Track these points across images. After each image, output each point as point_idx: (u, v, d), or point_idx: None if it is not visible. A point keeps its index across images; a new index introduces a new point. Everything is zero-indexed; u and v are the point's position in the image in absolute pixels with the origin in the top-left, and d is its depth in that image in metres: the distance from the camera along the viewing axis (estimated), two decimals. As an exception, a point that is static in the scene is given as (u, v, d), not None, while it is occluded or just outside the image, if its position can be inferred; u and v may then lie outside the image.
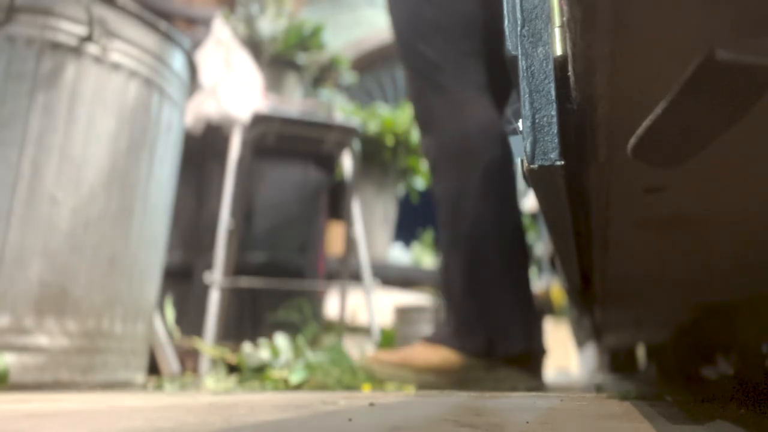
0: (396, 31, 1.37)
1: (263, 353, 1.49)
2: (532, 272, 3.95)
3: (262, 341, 1.61)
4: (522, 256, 1.26)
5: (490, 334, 1.19)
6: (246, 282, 2.07)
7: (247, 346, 1.54)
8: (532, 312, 1.24)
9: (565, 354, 3.50)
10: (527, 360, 1.20)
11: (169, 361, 1.60)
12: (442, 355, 1.19)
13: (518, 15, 0.45)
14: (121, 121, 1.22)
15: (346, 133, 2.30)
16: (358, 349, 1.82)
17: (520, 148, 0.45)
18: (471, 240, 1.23)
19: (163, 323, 1.63)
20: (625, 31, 0.30)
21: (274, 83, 2.57)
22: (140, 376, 1.29)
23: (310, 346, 1.65)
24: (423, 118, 1.33)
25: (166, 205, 1.38)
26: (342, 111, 2.98)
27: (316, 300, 2.37)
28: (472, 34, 1.29)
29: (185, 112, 1.51)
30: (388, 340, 2.13)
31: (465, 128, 1.25)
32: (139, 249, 1.25)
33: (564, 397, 0.85)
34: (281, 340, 1.57)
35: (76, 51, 1.16)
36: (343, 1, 5.21)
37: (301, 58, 2.64)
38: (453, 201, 1.26)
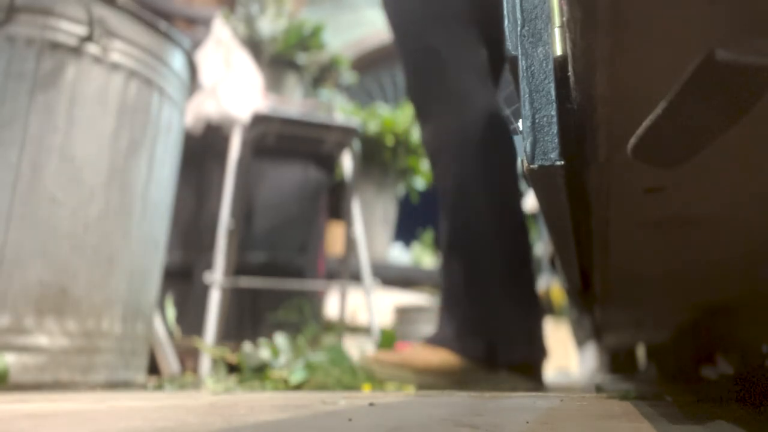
0: (393, 18, 1.33)
1: (263, 353, 1.49)
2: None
3: (262, 341, 1.61)
4: (525, 254, 1.24)
5: (492, 340, 1.17)
6: (246, 282, 2.07)
7: (247, 346, 1.54)
8: (535, 314, 1.23)
9: (565, 354, 3.50)
10: (529, 368, 1.19)
11: (169, 361, 1.60)
12: (441, 357, 1.19)
13: (518, 15, 0.45)
14: (121, 121, 1.22)
15: (346, 133, 2.30)
16: (358, 349, 1.82)
17: (520, 148, 0.45)
18: (472, 239, 1.21)
19: (164, 323, 1.63)
20: (625, 31, 0.30)
21: (274, 83, 2.57)
22: (140, 376, 1.29)
23: (310, 346, 1.65)
24: (422, 108, 1.30)
25: (166, 205, 1.38)
26: (342, 111, 2.99)
27: (316, 300, 2.38)
28: (472, 20, 1.25)
29: (185, 112, 1.51)
30: (388, 340, 2.13)
31: (466, 119, 1.21)
32: (139, 249, 1.25)
33: (564, 397, 0.85)
34: (281, 339, 1.57)
35: (76, 51, 1.16)
36: (344, 1, 5.21)
37: (301, 58, 2.64)
38: (453, 197, 1.23)
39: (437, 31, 1.25)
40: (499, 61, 1.32)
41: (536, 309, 1.23)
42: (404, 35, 1.30)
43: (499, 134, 1.22)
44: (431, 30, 1.25)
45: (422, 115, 1.30)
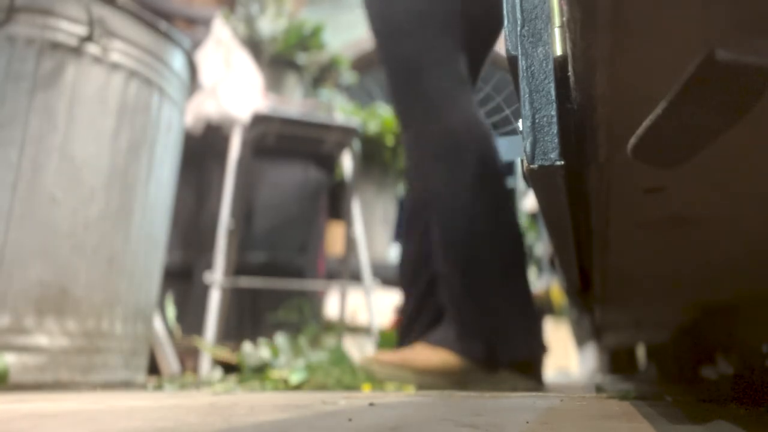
0: (373, 25, 1.33)
1: (263, 352, 1.49)
2: (532, 272, 3.94)
3: (262, 341, 1.61)
4: (519, 255, 1.25)
5: (491, 340, 1.18)
6: (246, 282, 2.07)
7: (247, 346, 1.54)
8: (533, 314, 1.24)
9: (565, 354, 3.50)
10: (529, 366, 1.19)
11: (169, 361, 1.60)
12: (442, 358, 1.19)
13: (518, 15, 0.45)
14: (121, 121, 1.22)
15: (346, 133, 2.30)
16: (358, 349, 1.82)
17: (519, 148, 0.45)
18: (467, 241, 1.22)
19: (164, 321, 1.63)
20: (625, 31, 0.30)
21: (274, 83, 2.57)
22: (140, 376, 1.29)
23: (310, 346, 1.65)
24: (404, 115, 1.30)
25: (166, 205, 1.38)
26: (342, 111, 2.98)
27: (316, 300, 2.38)
28: (453, 28, 1.25)
29: (185, 112, 1.51)
30: (388, 340, 2.13)
31: (449, 126, 1.22)
32: (139, 249, 1.25)
33: (564, 397, 0.85)
34: (281, 339, 1.57)
35: (76, 51, 1.16)
36: (343, 1, 5.20)
37: (301, 58, 2.64)
38: (443, 202, 1.24)
39: (420, 37, 1.25)
40: (477, 68, 1.33)
41: (533, 307, 1.24)
42: (386, 39, 1.30)
43: (483, 139, 1.23)
44: (414, 36, 1.25)
45: (404, 120, 1.31)
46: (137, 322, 1.26)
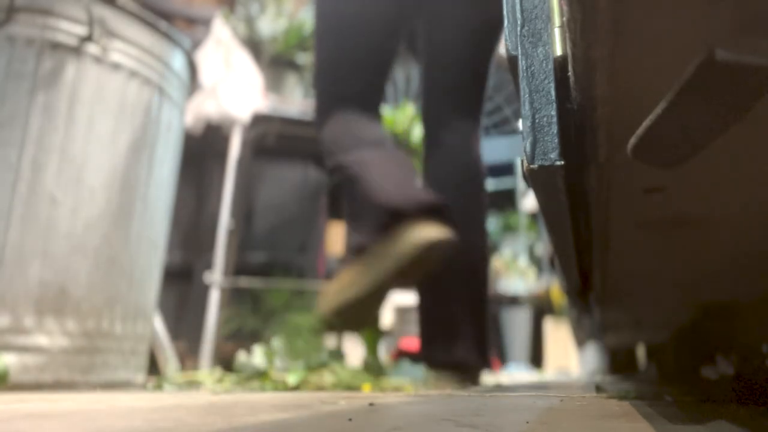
0: (317, 43, 1.48)
1: (258, 360, 1.48)
2: (532, 272, 3.94)
3: (257, 348, 1.60)
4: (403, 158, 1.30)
5: (367, 219, 1.21)
6: (246, 282, 2.07)
7: (241, 355, 1.53)
8: (398, 171, 1.25)
9: (565, 354, 3.50)
10: (423, 216, 1.16)
11: (169, 361, 1.60)
12: (345, 273, 1.27)
13: (518, 15, 0.45)
14: (121, 121, 1.22)
15: (346, 133, 2.29)
16: (358, 350, 1.81)
17: (519, 148, 0.45)
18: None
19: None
20: (625, 31, 0.30)
21: (274, 83, 2.57)
22: (140, 376, 1.29)
23: (309, 347, 1.64)
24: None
25: (166, 205, 1.38)
26: (342, 111, 2.98)
27: (316, 300, 2.37)
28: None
29: (185, 112, 1.51)
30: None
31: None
32: (139, 249, 1.25)
33: (564, 397, 0.85)
34: (277, 343, 1.57)
35: (76, 51, 1.16)
36: (343, 1, 5.19)
37: (301, 58, 2.64)
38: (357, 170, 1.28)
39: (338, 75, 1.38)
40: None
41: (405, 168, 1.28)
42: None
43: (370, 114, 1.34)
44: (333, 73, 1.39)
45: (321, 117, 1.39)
46: (137, 322, 1.26)
